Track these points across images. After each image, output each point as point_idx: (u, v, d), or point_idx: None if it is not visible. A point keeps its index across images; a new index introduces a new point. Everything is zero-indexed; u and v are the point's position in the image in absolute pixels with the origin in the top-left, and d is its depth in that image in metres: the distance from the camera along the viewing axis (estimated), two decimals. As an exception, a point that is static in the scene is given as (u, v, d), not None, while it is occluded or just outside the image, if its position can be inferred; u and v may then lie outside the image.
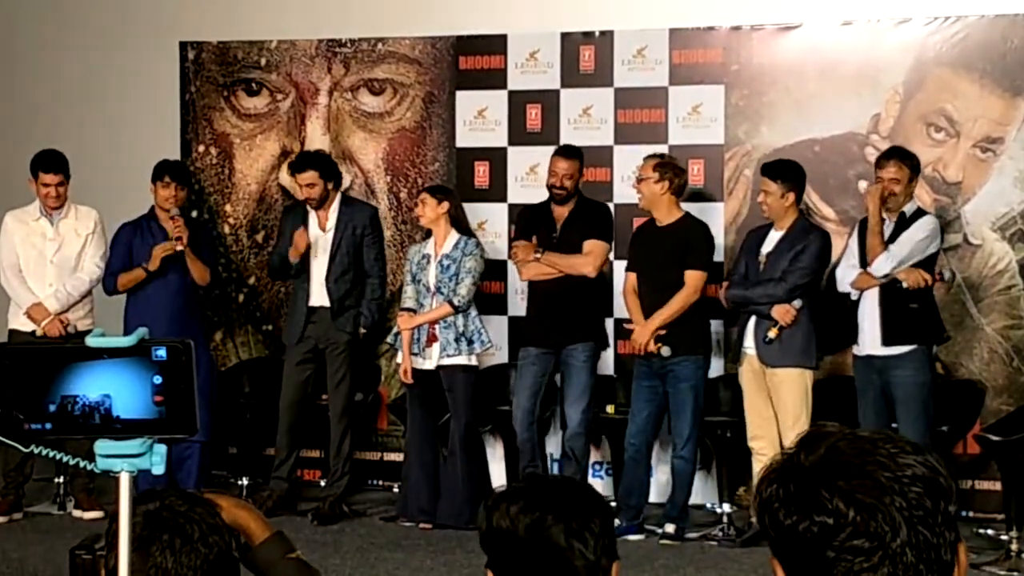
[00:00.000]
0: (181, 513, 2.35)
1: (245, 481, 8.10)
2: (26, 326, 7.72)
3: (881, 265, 6.85)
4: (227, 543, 2.42)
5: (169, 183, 7.68)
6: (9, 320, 7.81)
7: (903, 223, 6.93)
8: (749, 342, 7.12)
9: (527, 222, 7.79)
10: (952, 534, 1.56)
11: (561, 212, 7.63)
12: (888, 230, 6.95)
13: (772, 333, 6.98)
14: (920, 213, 6.98)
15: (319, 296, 7.81)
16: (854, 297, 7.00)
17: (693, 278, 7.27)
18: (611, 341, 7.92)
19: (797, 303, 6.99)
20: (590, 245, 7.52)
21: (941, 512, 1.55)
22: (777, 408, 7.04)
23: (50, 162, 7.73)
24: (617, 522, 7.24)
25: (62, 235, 7.80)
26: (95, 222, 7.86)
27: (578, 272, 7.49)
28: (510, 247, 7.94)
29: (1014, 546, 6.80)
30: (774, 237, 7.18)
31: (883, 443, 1.59)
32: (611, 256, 7.75)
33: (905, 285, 6.82)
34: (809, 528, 1.56)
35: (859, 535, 1.54)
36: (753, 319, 7.10)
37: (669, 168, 7.33)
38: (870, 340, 6.92)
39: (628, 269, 7.54)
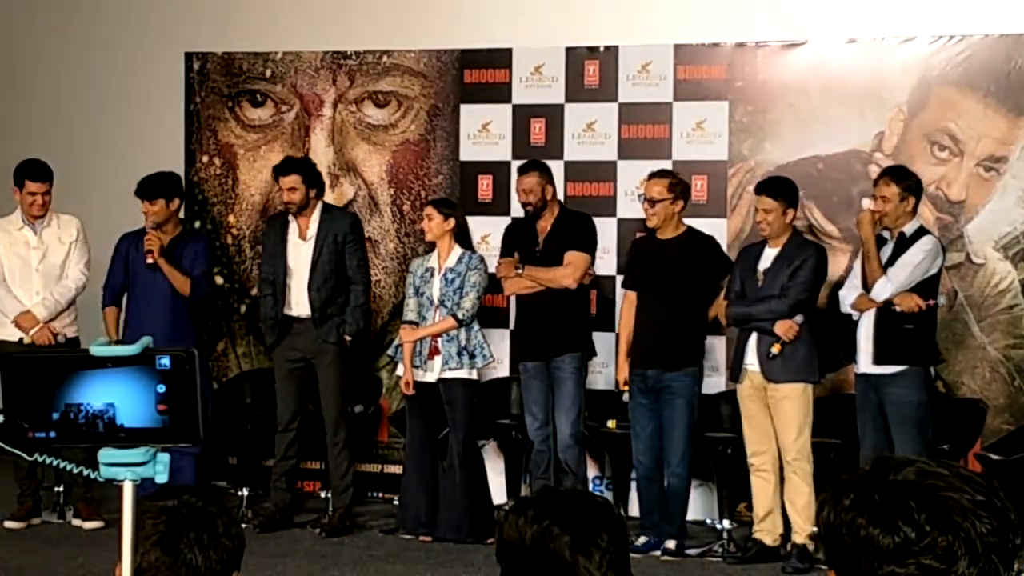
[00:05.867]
0: (202, 510, 2.38)
1: (245, 492, 8.06)
2: (12, 336, 7.70)
3: (881, 290, 6.85)
4: (243, 536, 2.44)
5: (144, 201, 7.71)
6: None
7: (903, 243, 6.92)
8: (751, 358, 7.11)
9: (510, 237, 7.79)
10: (1013, 569, 1.63)
11: (544, 225, 7.63)
12: (888, 250, 6.95)
13: (775, 349, 6.97)
14: (921, 233, 6.97)
15: (301, 306, 7.79)
16: (855, 318, 7.00)
17: None
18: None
19: (799, 318, 7.00)
20: (570, 256, 7.50)
21: (1009, 545, 1.62)
22: (778, 423, 7.03)
23: (36, 170, 7.75)
24: (644, 539, 7.23)
25: (46, 243, 7.81)
26: (77, 229, 7.86)
27: (558, 284, 7.47)
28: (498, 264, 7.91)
29: (1015, 565, 6.78)
30: (770, 254, 7.17)
31: (960, 474, 1.65)
32: (594, 268, 7.66)
33: (899, 309, 6.82)
34: (892, 540, 1.60)
35: (935, 554, 1.59)
36: (754, 336, 7.09)
37: (681, 185, 7.36)
38: (865, 358, 6.93)
39: (628, 287, 7.48)
